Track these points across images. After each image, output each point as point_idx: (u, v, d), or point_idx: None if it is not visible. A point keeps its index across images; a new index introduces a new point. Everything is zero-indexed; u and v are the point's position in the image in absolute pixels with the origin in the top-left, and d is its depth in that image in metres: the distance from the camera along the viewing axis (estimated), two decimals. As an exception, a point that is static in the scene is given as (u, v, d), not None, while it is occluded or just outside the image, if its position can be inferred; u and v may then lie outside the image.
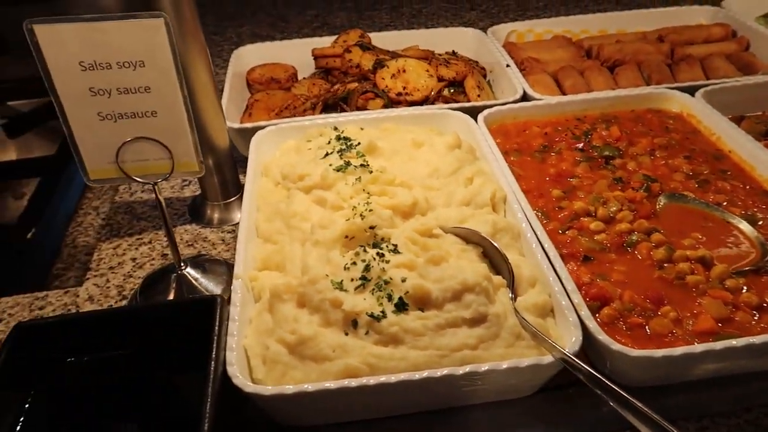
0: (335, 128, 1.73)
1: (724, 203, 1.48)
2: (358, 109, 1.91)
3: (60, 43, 1.04)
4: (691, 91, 1.85)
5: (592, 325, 1.12)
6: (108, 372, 1.19)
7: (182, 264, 1.41)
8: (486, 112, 1.77)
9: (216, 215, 1.72)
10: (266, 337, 1.16)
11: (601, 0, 3.04)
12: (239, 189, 1.75)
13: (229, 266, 1.50)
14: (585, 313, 1.15)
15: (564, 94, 2.00)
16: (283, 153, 1.71)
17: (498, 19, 2.92)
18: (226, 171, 1.68)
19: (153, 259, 1.60)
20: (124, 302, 1.47)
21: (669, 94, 1.85)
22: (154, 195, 1.85)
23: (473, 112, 1.77)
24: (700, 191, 1.52)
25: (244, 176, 1.86)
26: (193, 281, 1.41)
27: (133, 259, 1.61)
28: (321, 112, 1.92)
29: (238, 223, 1.70)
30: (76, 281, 1.77)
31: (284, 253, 1.34)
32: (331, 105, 1.95)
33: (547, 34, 2.38)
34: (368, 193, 1.42)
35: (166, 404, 1.17)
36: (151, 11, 1.04)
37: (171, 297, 1.39)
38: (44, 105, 2.77)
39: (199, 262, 1.48)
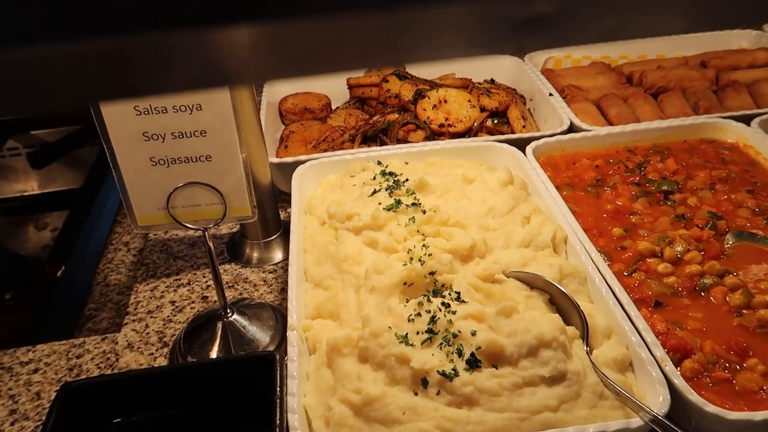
0: (379, 162, 1.67)
1: (797, 242, 1.40)
2: (399, 141, 1.85)
3: (115, 88, 0.98)
4: (745, 119, 1.78)
5: (679, 382, 1.04)
6: (157, 432, 1.12)
7: (228, 310, 1.34)
8: (534, 144, 1.71)
9: (256, 254, 1.65)
10: (328, 395, 1.08)
11: (633, 23, 2.99)
12: (280, 227, 1.68)
13: (275, 311, 1.43)
14: (670, 368, 1.07)
15: (609, 123, 1.93)
16: (325, 189, 1.65)
17: (528, 43, 2.87)
18: (268, 209, 1.62)
19: (193, 302, 1.54)
20: (166, 350, 1.40)
21: (723, 124, 1.78)
22: (189, 232, 1.80)
23: (518, 144, 1.71)
24: (769, 229, 1.45)
25: (283, 212, 1.81)
26: (241, 329, 1.34)
27: (172, 302, 1.54)
28: (360, 145, 1.86)
29: (278, 263, 1.64)
30: (109, 323, 1.70)
31: (337, 300, 1.27)
32: (371, 137, 1.89)
33: (585, 60, 2.32)
34: (422, 234, 1.35)
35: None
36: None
37: (217, 346, 1.32)
38: (70, 134, 2.73)
39: (244, 308, 1.41)
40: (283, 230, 1.68)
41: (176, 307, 1.52)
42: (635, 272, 1.34)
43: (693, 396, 1.01)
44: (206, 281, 1.60)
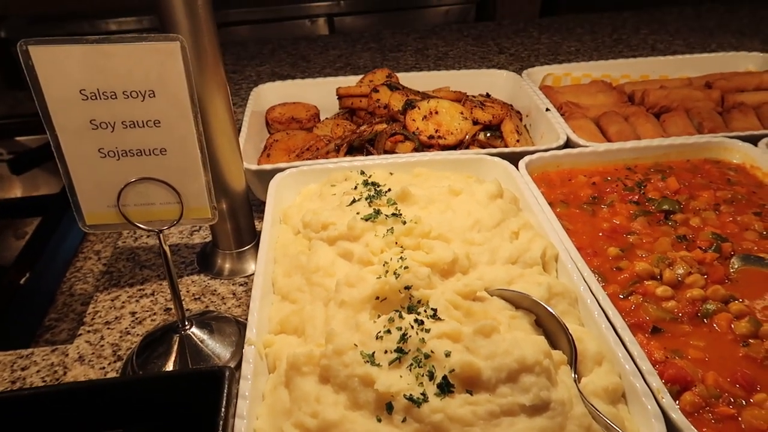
0: (362, 172, 1.57)
1: (808, 268, 1.29)
2: (386, 152, 1.76)
3: (59, 68, 0.89)
4: (752, 140, 1.69)
5: (678, 417, 0.93)
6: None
7: (186, 323, 1.24)
8: (528, 158, 1.61)
9: (227, 265, 1.55)
10: (282, 419, 0.97)
11: (637, 46, 2.92)
12: (254, 237, 1.58)
13: (240, 326, 1.32)
14: (668, 401, 0.95)
15: (609, 141, 1.84)
16: (304, 198, 1.55)
17: (528, 63, 2.81)
18: (241, 217, 1.52)
19: (154, 313, 1.43)
20: (119, 364, 1.29)
21: (729, 144, 1.68)
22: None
23: (512, 159, 1.62)
24: (778, 253, 1.34)
25: (260, 222, 1.71)
26: (199, 343, 1.23)
27: (133, 314, 1.43)
28: (345, 155, 1.77)
29: (250, 275, 1.54)
30: (68, 334, 1.59)
31: (304, 314, 1.16)
32: (357, 147, 1.80)
33: (585, 79, 2.24)
34: (401, 246, 1.25)
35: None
36: (167, 34, 0.90)
37: (172, 361, 1.21)
38: (53, 141, 2.65)
39: (206, 321, 1.30)
40: (258, 240, 1.58)
41: (136, 318, 1.41)
42: (631, 295, 1.23)
43: (693, 433, 0.90)
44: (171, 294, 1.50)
